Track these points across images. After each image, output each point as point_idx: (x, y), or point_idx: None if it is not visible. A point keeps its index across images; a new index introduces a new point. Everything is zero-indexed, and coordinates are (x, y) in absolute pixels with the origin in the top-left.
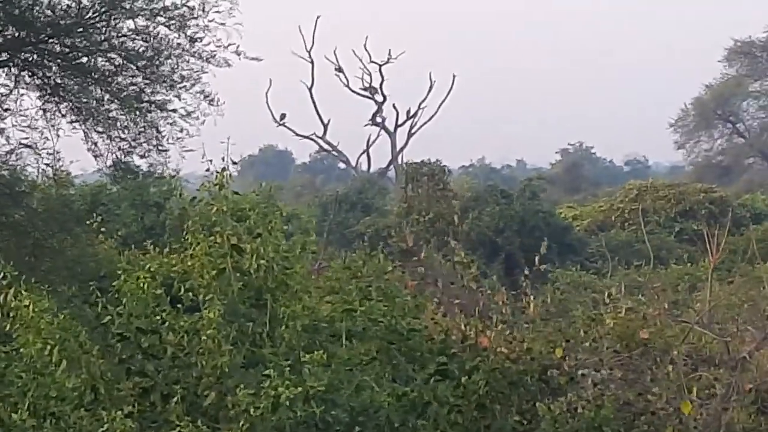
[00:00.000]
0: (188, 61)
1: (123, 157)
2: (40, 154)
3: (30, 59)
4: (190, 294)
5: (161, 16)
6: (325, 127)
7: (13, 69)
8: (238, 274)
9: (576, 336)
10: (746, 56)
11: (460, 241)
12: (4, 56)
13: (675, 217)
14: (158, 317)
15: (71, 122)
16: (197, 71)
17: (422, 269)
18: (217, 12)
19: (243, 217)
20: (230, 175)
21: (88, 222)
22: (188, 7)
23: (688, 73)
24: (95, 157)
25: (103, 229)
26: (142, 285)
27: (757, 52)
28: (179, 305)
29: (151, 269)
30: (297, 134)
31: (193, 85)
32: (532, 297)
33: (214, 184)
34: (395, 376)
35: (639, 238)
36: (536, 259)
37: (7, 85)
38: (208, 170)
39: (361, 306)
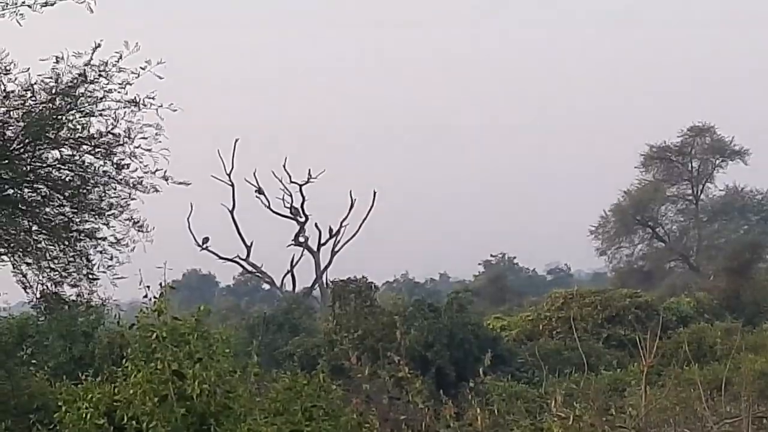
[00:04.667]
0: (116, 189)
1: (53, 287)
2: None
3: None
4: (134, 423)
5: (87, 144)
6: (248, 249)
7: None
8: (180, 400)
9: None
10: (662, 161)
11: (391, 357)
12: None
13: (602, 323)
14: None
15: None
16: (125, 198)
17: (367, 386)
18: (143, 138)
19: (183, 342)
20: (168, 300)
21: (18, 355)
22: (113, 134)
23: (605, 180)
24: (24, 288)
25: (33, 361)
26: (83, 415)
27: (672, 156)
28: None
29: (93, 399)
30: (220, 257)
31: (122, 212)
32: (478, 410)
33: (153, 310)
34: None
35: (568, 345)
36: (480, 370)
37: None
38: (146, 296)
39: (307, 427)
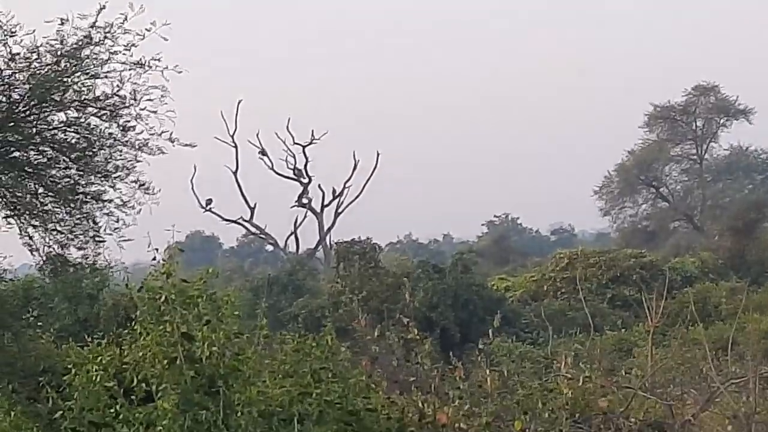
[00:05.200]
0: (121, 151)
1: (60, 249)
2: None
3: None
4: (143, 385)
5: (92, 106)
6: (252, 210)
7: None
8: (189, 363)
9: (534, 407)
10: (666, 121)
11: (399, 318)
12: None
13: (607, 283)
14: (112, 410)
15: (6, 217)
16: (131, 160)
17: (376, 348)
18: (149, 100)
19: (191, 304)
20: (177, 262)
21: (23, 317)
22: (119, 96)
23: (609, 140)
24: (31, 251)
25: (39, 324)
26: (93, 378)
27: (676, 116)
28: (132, 397)
29: (102, 361)
30: (224, 219)
31: (128, 174)
32: (487, 371)
33: (162, 273)
34: None
35: (572, 306)
36: (490, 331)
37: None
38: (154, 258)
39: (315, 389)
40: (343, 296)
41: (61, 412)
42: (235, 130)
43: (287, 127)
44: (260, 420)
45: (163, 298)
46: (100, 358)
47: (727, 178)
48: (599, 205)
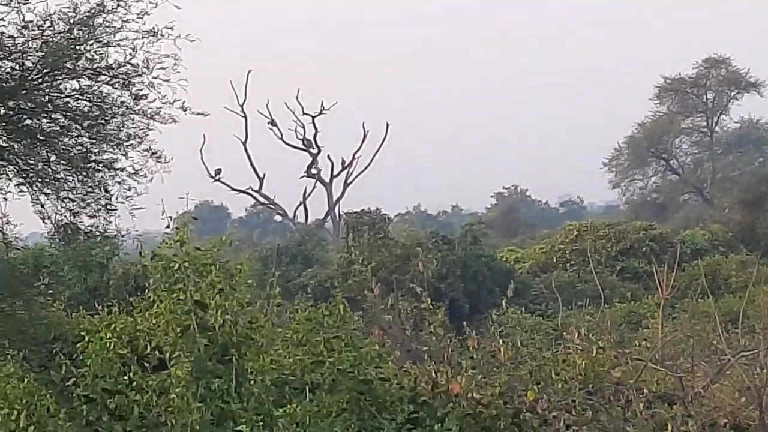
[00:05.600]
0: (134, 119)
1: (71, 218)
2: None
3: None
4: (156, 353)
5: (105, 74)
6: (261, 180)
7: None
8: (202, 331)
9: (547, 378)
10: (676, 93)
11: (412, 288)
12: None
13: (616, 255)
14: (125, 377)
15: (18, 185)
16: (143, 129)
17: (389, 317)
18: (162, 68)
19: (204, 273)
20: (191, 230)
21: (34, 285)
22: (132, 65)
23: (619, 112)
24: (42, 219)
25: (50, 292)
26: (106, 345)
27: (687, 88)
28: (145, 364)
29: (116, 329)
30: (233, 189)
31: (140, 142)
32: (500, 341)
33: (176, 241)
34: (366, 427)
35: (581, 278)
36: (503, 302)
37: None
38: (167, 227)
39: (328, 358)
40: (352, 266)
41: (74, 379)
42: (245, 100)
43: (297, 97)
44: (273, 388)
45: (176, 266)
46: (113, 325)
47: (737, 151)
48: (609, 177)
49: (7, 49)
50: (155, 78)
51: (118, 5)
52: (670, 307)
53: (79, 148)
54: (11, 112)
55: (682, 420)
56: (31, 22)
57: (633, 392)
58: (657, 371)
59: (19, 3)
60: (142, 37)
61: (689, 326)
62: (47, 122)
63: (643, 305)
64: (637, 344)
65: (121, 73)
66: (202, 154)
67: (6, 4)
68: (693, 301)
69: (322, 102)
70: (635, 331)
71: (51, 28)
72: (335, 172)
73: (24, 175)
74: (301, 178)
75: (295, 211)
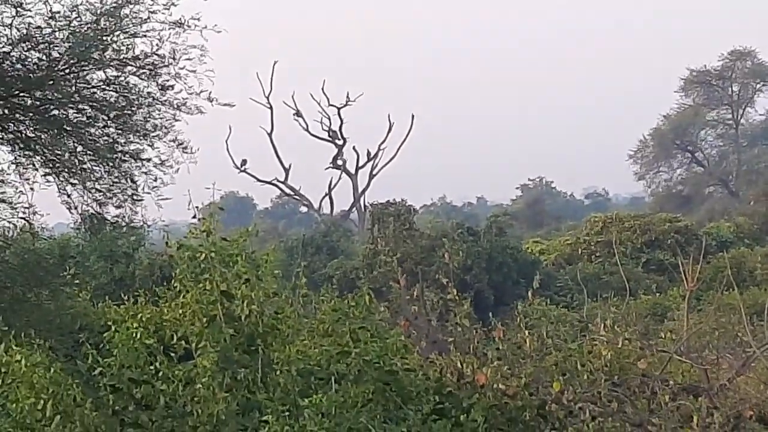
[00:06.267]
0: (160, 110)
1: (98, 208)
2: (15, 209)
3: (1, 114)
4: (183, 342)
5: (131, 65)
6: (287, 171)
7: None
8: (229, 321)
9: (573, 369)
10: (702, 85)
11: (438, 279)
12: None
13: (641, 247)
14: (151, 367)
15: (45, 175)
16: (169, 119)
17: (415, 308)
18: (188, 59)
19: (231, 263)
20: (217, 221)
21: (60, 275)
22: (158, 55)
23: (644, 104)
24: (69, 209)
25: (76, 282)
26: (133, 335)
27: (712, 80)
28: (172, 354)
29: (142, 319)
30: (258, 180)
31: (166, 133)
32: (526, 332)
33: (202, 231)
34: (391, 417)
35: (607, 270)
36: (529, 293)
37: None
38: (194, 217)
39: (354, 348)
40: (378, 258)
41: (100, 369)
42: (270, 91)
43: (322, 89)
44: (299, 379)
45: (202, 256)
46: (139, 315)
47: (763, 143)
48: (634, 169)
49: (34, 39)
50: (181, 69)
51: None
52: (695, 299)
53: (106, 138)
54: (38, 103)
55: (708, 412)
56: (59, 12)
57: (658, 384)
58: (682, 363)
59: None
60: (169, 28)
61: (714, 318)
62: (74, 113)
63: (669, 297)
64: (663, 336)
65: (148, 64)
66: (227, 145)
67: None
68: (718, 294)
69: (348, 93)
70: (660, 323)
71: (78, 19)
72: (360, 164)
73: (51, 165)
74: (326, 169)
75: (320, 203)
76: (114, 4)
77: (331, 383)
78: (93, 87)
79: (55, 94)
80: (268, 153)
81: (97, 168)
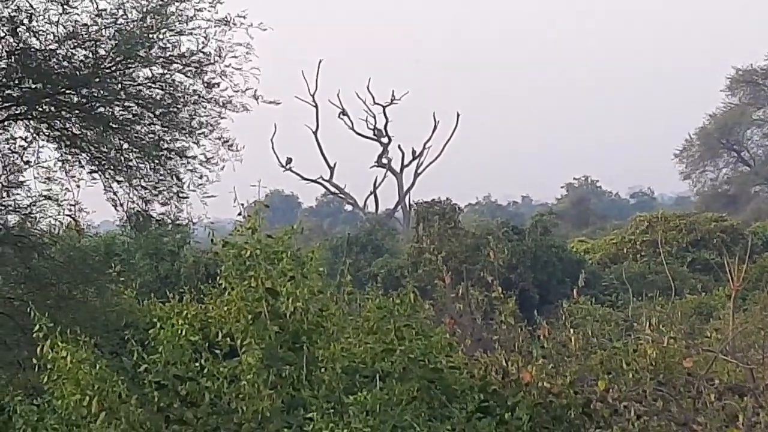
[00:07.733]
0: (206, 108)
1: (143, 205)
2: (61, 206)
3: (47, 111)
4: (227, 340)
5: (177, 63)
6: (332, 170)
7: (31, 121)
8: (274, 318)
9: (618, 368)
10: (748, 84)
11: (483, 277)
12: (22, 109)
13: (687, 247)
14: (196, 364)
15: (91, 172)
16: (215, 117)
17: (460, 306)
18: (234, 57)
19: (276, 260)
20: (263, 219)
21: (106, 272)
22: (204, 53)
23: (690, 103)
24: (114, 206)
25: (122, 279)
26: (178, 332)
27: (759, 80)
28: (217, 351)
29: (188, 316)
30: (304, 178)
31: (212, 131)
32: (571, 330)
33: (247, 228)
34: (436, 415)
35: (652, 269)
36: (574, 291)
37: (26, 138)
38: (239, 214)
39: (399, 346)
40: (422, 256)
41: (145, 366)
42: (316, 89)
43: (367, 87)
44: (343, 376)
45: (248, 253)
46: (185, 312)
47: None
48: (680, 168)
49: (81, 37)
50: (227, 66)
51: None
52: (740, 298)
53: (152, 135)
54: (84, 100)
55: (753, 411)
56: (105, 10)
57: (703, 383)
58: (728, 363)
59: None
60: (215, 26)
61: (760, 318)
62: (120, 110)
63: (714, 297)
64: (708, 335)
65: (194, 62)
66: (273, 143)
67: None
68: (764, 293)
69: (393, 92)
70: (706, 323)
71: (124, 17)
72: (406, 162)
73: (96, 162)
74: (371, 167)
75: (365, 201)
76: (160, 2)
77: (375, 381)
78: (139, 84)
79: (101, 92)
80: (313, 151)
81: (143, 165)
